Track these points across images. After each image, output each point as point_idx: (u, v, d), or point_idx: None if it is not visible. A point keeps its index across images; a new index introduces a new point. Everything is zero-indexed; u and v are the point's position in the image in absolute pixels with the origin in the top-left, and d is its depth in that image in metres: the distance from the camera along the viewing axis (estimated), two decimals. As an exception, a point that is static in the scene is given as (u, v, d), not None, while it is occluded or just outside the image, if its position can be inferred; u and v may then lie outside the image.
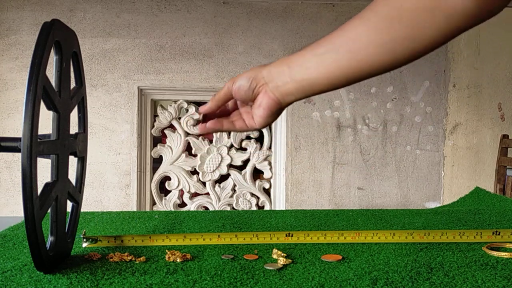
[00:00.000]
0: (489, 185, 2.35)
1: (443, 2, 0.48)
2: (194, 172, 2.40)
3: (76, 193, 0.69)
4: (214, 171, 2.38)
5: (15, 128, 2.25)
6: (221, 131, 0.66)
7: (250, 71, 0.61)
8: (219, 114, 0.66)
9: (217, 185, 2.41)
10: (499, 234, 0.75)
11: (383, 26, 0.51)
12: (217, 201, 2.40)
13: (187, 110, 2.39)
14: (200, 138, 2.39)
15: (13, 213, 2.26)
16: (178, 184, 2.38)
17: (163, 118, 2.38)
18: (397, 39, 0.51)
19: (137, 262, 0.64)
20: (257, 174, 2.46)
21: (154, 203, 2.40)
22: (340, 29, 0.55)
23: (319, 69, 0.55)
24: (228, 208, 2.40)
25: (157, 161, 2.40)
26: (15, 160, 2.26)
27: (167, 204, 2.39)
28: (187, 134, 2.39)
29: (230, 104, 0.66)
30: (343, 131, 2.39)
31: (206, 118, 0.66)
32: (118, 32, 2.29)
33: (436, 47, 0.52)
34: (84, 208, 1.36)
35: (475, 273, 0.59)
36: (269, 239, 0.75)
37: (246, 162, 2.42)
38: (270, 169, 2.42)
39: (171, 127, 2.41)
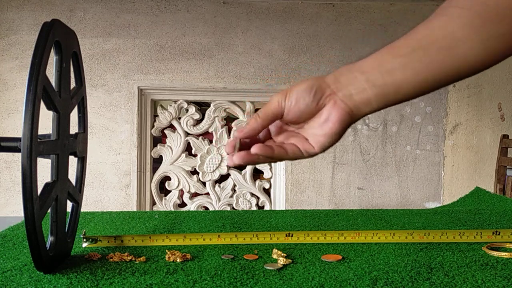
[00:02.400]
0: (489, 185, 2.35)
1: None
2: (194, 172, 2.40)
3: (76, 193, 0.69)
4: (214, 171, 2.38)
5: (15, 128, 2.25)
6: (272, 159, 0.52)
7: (308, 80, 0.51)
8: (250, 143, 0.53)
9: (217, 185, 2.41)
10: (499, 234, 0.75)
11: (481, 23, 0.46)
12: (217, 201, 2.40)
13: (187, 110, 2.39)
14: (200, 138, 2.39)
15: (13, 213, 2.26)
16: (178, 184, 2.38)
17: (163, 118, 2.38)
18: (497, 36, 0.47)
19: (137, 262, 0.64)
20: (257, 174, 2.46)
21: (154, 203, 2.40)
22: (419, 30, 0.49)
23: (407, 71, 0.48)
24: (228, 208, 2.40)
25: (157, 161, 2.40)
26: (15, 160, 2.26)
27: (167, 204, 2.39)
28: (187, 134, 2.39)
29: (263, 130, 0.53)
30: (343, 131, 2.39)
31: (242, 145, 0.52)
32: (118, 32, 2.29)
33: None
34: (84, 208, 1.36)
35: (475, 273, 0.59)
36: (269, 239, 0.75)
37: (246, 162, 2.42)
38: (270, 169, 2.42)
39: (171, 127, 2.41)
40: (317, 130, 0.51)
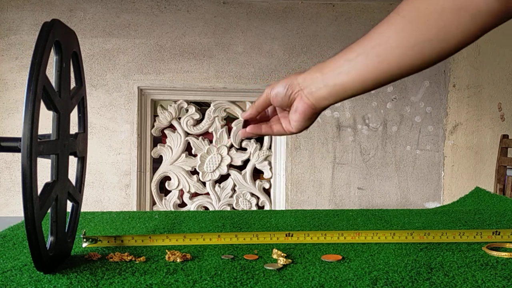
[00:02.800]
0: (489, 185, 2.35)
1: (468, 2, 0.49)
2: (194, 172, 2.40)
3: (76, 193, 0.69)
4: (214, 171, 2.38)
5: (15, 128, 2.25)
6: (260, 135, 0.70)
7: (286, 79, 0.64)
8: (259, 120, 0.70)
9: (217, 185, 2.41)
10: (499, 234, 0.75)
11: (410, 29, 0.53)
12: (217, 201, 2.40)
13: (187, 110, 2.39)
14: (200, 138, 2.39)
15: (13, 213, 2.26)
16: (178, 184, 2.38)
17: (163, 118, 2.38)
18: (424, 41, 0.52)
19: (137, 262, 0.64)
20: (257, 174, 2.46)
21: (154, 203, 2.40)
22: (369, 33, 0.57)
23: (350, 74, 0.57)
24: (228, 208, 2.40)
25: (157, 161, 2.40)
26: (15, 160, 2.26)
27: (167, 204, 2.39)
28: (187, 134, 2.39)
29: (269, 110, 0.70)
30: (343, 131, 2.39)
31: (247, 123, 0.70)
32: (118, 32, 2.29)
33: (463, 47, 0.53)
34: (84, 208, 1.36)
35: (475, 273, 0.59)
36: (269, 239, 0.75)
37: (246, 162, 2.42)
38: (270, 169, 2.42)
39: (171, 127, 2.41)
40: (292, 116, 0.65)
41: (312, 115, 0.64)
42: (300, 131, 0.66)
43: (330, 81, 0.59)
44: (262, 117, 0.70)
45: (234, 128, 2.39)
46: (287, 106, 0.65)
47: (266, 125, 0.69)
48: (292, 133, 0.67)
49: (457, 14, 0.50)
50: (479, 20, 0.50)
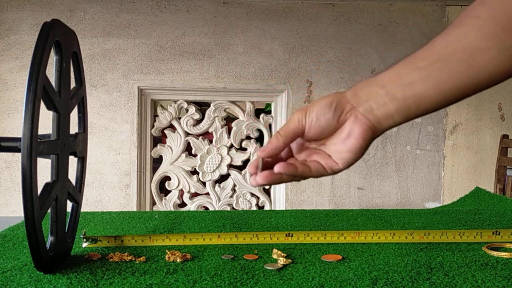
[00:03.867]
0: (489, 185, 2.35)
1: None
2: (194, 172, 2.40)
3: (76, 193, 0.69)
4: (214, 171, 2.38)
5: (15, 128, 2.25)
6: (296, 178, 0.51)
7: (327, 97, 0.50)
8: (272, 162, 0.52)
9: (217, 185, 2.41)
10: (499, 234, 0.75)
11: (501, 32, 0.46)
12: (217, 201, 2.40)
13: (187, 110, 2.39)
14: (200, 138, 2.39)
15: (13, 213, 2.26)
16: (178, 184, 2.38)
17: (163, 118, 2.38)
18: None
19: (137, 262, 0.64)
20: (257, 174, 2.45)
21: (154, 203, 2.40)
22: (438, 41, 0.48)
23: (427, 83, 0.47)
24: (228, 208, 2.40)
25: (157, 161, 2.40)
26: (15, 160, 2.26)
27: (167, 204, 2.39)
28: (187, 134, 2.39)
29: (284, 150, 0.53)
30: (343, 131, 2.39)
31: (262, 164, 0.52)
32: (118, 32, 2.29)
33: None
34: (84, 208, 1.35)
35: (475, 273, 0.59)
36: (269, 239, 0.75)
37: (246, 162, 2.42)
38: (270, 169, 2.42)
39: (171, 127, 2.41)
40: (339, 147, 0.50)
41: (370, 141, 0.50)
42: (349, 166, 0.51)
43: (397, 94, 0.48)
44: (274, 159, 0.53)
45: (234, 128, 2.39)
46: (330, 134, 0.51)
47: (300, 163, 0.51)
48: (335, 172, 0.52)
49: None
50: None
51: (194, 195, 2.44)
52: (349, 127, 0.49)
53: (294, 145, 0.54)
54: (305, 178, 0.51)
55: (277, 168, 0.49)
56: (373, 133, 0.50)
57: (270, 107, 2.46)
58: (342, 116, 0.49)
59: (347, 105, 0.49)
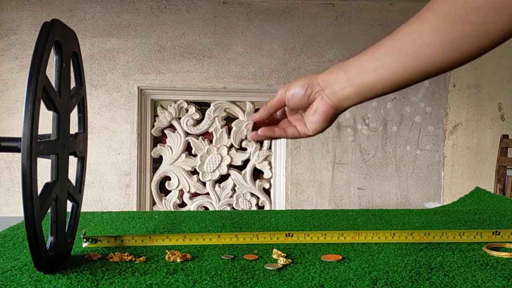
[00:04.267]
0: (489, 185, 2.35)
1: None
2: (194, 172, 2.40)
3: (76, 193, 0.69)
4: (214, 171, 2.38)
5: (15, 128, 2.25)
6: (273, 138, 0.67)
7: (303, 78, 0.61)
8: (268, 122, 0.67)
9: (217, 185, 2.41)
10: (499, 234, 0.75)
11: (447, 26, 0.51)
12: (217, 201, 2.40)
13: (187, 110, 2.39)
14: (200, 138, 2.39)
15: (13, 213, 2.26)
16: (178, 184, 2.38)
17: (163, 118, 2.38)
18: (462, 38, 0.50)
19: (137, 262, 0.64)
20: (257, 174, 2.46)
21: (154, 203, 2.40)
22: (397, 32, 0.54)
23: (379, 72, 0.55)
24: (228, 208, 2.40)
25: (157, 161, 2.40)
26: (15, 160, 2.26)
27: (167, 204, 2.39)
28: (187, 134, 2.39)
29: (278, 112, 0.67)
30: (343, 131, 2.39)
31: (256, 126, 0.66)
32: (118, 32, 2.29)
33: (503, 42, 0.51)
34: (84, 208, 1.35)
35: (475, 273, 0.59)
36: (269, 239, 0.75)
37: (246, 162, 2.42)
38: (270, 169, 2.42)
39: (171, 127, 2.41)
40: (310, 118, 0.62)
41: (333, 116, 0.61)
42: (318, 133, 0.64)
43: (355, 80, 0.57)
44: (271, 120, 0.67)
45: (234, 128, 2.39)
46: (304, 108, 0.63)
47: (279, 128, 0.66)
48: (308, 136, 0.64)
49: (497, 10, 0.48)
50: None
51: (194, 195, 2.44)
52: (316, 105, 0.61)
53: (287, 110, 0.66)
54: (281, 138, 0.67)
55: (260, 131, 0.66)
56: (335, 110, 0.61)
57: (270, 107, 2.46)
58: (311, 96, 0.61)
59: (317, 87, 0.60)
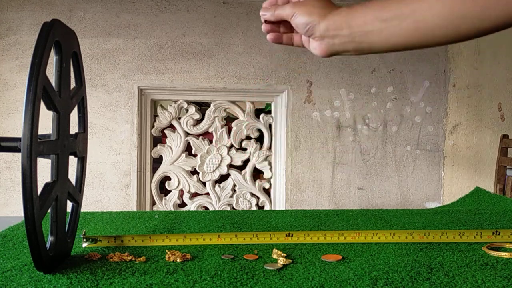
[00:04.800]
0: (489, 185, 2.34)
1: None
2: (194, 172, 2.40)
3: (76, 193, 0.69)
4: (214, 171, 2.38)
5: (15, 128, 2.25)
6: (280, 43, 0.67)
7: (309, 14, 0.60)
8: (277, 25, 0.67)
9: (217, 185, 2.41)
10: (499, 234, 0.75)
11: (456, 1, 0.51)
12: (217, 201, 2.40)
13: (187, 110, 2.39)
14: (200, 138, 2.39)
15: (13, 213, 2.26)
16: (178, 184, 2.38)
17: (163, 118, 2.38)
18: (466, 16, 0.51)
19: (137, 262, 0.64)
20: (257, 174, 2.46)
21: (154, 203, 2.40)
22: None
23: (381, 35, 0.56)
24: (228, 208, 2.40)
25: (157, 161, 2.40)
26: (15, 160, 2.26)
27: (167, 204, 2.39)
28: (187, 134, 2.39)
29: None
30: (343, 131, 2.39)
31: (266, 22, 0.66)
32: (118, 32, 2.29)
33: (503, 29, 0.52)
34: (84, 208, 1.35)
35: (475, 273, 0.59)
36: (269, 239, 0.75)
37: (246, 162, 2.42)
38: (270, 169, 2.42)
39: (171, 127, 2.41)
40: (310, 45, 0.63)
41: (329, 56, 0.63)
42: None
43: (357, 38, 0.58)
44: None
45: (234, 128, 2.39)
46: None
47: (287, 36, 0.67)
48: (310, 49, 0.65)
49: None
50: None
51: (194, 195, 2.44)
52: (313, 44, 0.62)
53: None
54: (290, 45, 0.68)
55: (269, 35, 0.66)
56: (331, 55, 0.62)
57: (270, 107, 2.46)
58: (311, 36, 0.61)
59: (317, 32, 0.60)
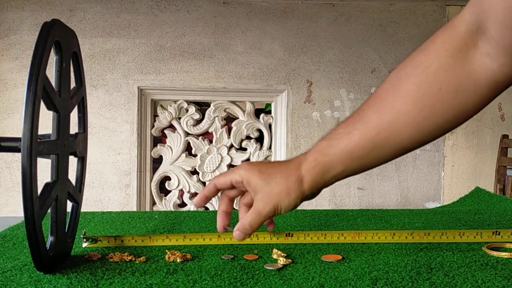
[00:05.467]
0: (489, 185, 2.34)
1: (465, 81, 0.50)
2: (194, 172, 2.40)
3: (76, 193, 0.69)
4: (214, 171, 2.38)
5: (15, 128, 2.25)
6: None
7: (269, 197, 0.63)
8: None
9: (217, 185, 2.40)
10: (499, 234, 0.75)
11: (421, 103, 0.53)
12: (217, 201, 2.40)
13: (187, 110, 2.39)
14: (200, 138, 2.39)
15: (13, 213, 2.26)
16: (178, 184, 2.38)
17: (163, 118, 2.38)
18: (426, 117, 0.53)
19: (137, 262, 0.64)
20: (257, 174, 2.45)
21: (154, 203, 2.40)
22: (373, 116, 0.57)
23: (338, 146, 0.59)
24: (228, 208, 2.39)
25: (157, 161, 2.40)
26: (15, 160, 2.26)
27: (167, 204, 2.39)
28: (187, 134, 2.39)
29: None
30: (343, 131, 2.38)
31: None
32: (118, 32, 2.29)
33: (469, 118, 0.55)
34: (84, 208, 1.35)
35: (475, 273, 0.59)
36: (269, 239, 0.75)
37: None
38: (270, 169, 2.42)
39: (171, 127, 2.41)
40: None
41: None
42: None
43: (320, 163, 0.61)
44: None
45: (234, 128, 2.39)
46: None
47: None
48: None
49: (455, 94, 0.51)
50: (485, 91, 0.51)
51: (194, 195, 2.44)
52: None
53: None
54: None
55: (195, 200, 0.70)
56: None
57: (270, 107, 2.46)
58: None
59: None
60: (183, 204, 2.43)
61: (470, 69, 0.50)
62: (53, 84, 0.58)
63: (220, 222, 0.67)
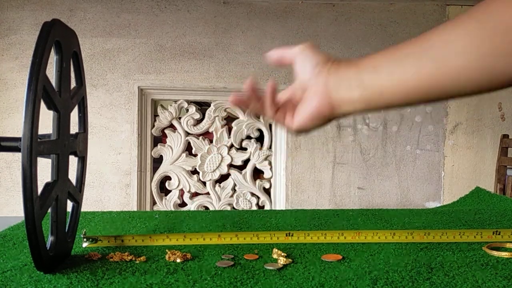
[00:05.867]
0: (489, 185, 2.34)
1: None
2: (194, 172, 2.40)
3: (76, 193, 0.69)
4: (214, 171, 2.38)
5: (15, 128, 2.25)
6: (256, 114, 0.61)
7: (319, 53, 0.52)
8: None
9: (217, 185, 2.41)
10: (499, 234, 0.75)
11: (485, 35, 0.40)
12: (217, 201, 2.40)
13: (187, 110, 2.39)
14: (200, 138, 2.39)
15: (13, 213, 2.26)
16: (178, 184, 2.38)
17: (164, 118, 2.38)
18: (499, 54, 0.40)
19: (137, 262, 0.64)
20: (257, 174, 2.46)
21: (154, 203, 2.40)
22: (427, 32, 0.44)
23: (392, 76, 0.45)
24: (228, 208, 2.40)
25: (157, 161, 2.40)
26: (15, 160, 2.26)
27: (167, 204, 2.39)
28: (187, 134, 2.39)
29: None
30: (343, 131, 2.39)
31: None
32: (118, 32, 2.29)
33: None
34: (84, 208, 1.35)
35: (475, 273, 0.59)
36: (269, 239, 0.75)
37: (246, 162, 2.42)
38: (270, 169, 2.42)
39: (171, 127, 2.41)
40: (301, 107, 0.53)
41: (324, 118, 0.52)
42: (300, 131, 0.54)
43: (366, 80, 0.47)
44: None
45: (234, 128, 2.39)
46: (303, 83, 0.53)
47: (272, 109, 0.55)
48: (289, 130, 0.55)
49: None
50: None
51: (194, 194, 2.44)
52: (312, 96, 0.51)
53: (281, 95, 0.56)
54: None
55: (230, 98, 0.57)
56: (330, 112, 0.51)
57: (270, 107, 2.46)
58: (314, 78, 0.51)
59: (323, 74, 0.51)
60: (183, 204, 2.43)
61: None
62: (54, 84, 0.58)
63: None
